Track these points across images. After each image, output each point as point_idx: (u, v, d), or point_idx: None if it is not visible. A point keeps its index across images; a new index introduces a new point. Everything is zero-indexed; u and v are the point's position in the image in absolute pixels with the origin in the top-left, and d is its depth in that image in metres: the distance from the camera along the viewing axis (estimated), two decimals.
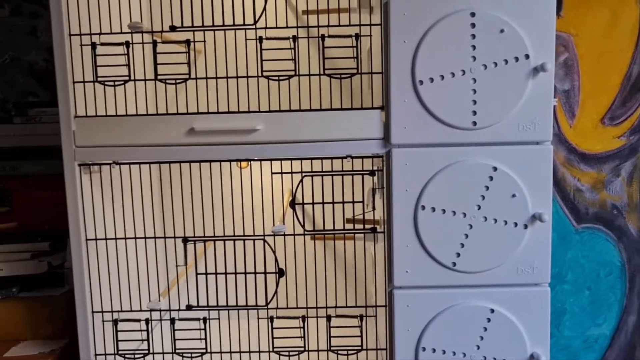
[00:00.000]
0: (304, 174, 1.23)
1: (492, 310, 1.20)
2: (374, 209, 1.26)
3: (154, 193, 1.29)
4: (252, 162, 1.25)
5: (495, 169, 1.17)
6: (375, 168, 1.27)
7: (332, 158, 1.24)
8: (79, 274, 1.27)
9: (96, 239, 1.28)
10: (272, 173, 1.26)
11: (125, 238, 1.29)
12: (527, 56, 1.14)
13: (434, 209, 1.18)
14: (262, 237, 1.26)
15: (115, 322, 1.29)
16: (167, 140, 1.21)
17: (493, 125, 1.16)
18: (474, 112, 1.16)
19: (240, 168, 1.29)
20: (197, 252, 1.28)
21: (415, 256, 1.20)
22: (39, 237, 1.61)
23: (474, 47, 1.14)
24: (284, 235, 1.26)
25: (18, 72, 1.88)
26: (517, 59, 1.14)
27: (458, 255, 1.19)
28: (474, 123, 1.16)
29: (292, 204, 1.24)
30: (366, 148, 1.21)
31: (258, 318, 1.29)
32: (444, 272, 1.21)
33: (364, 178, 1.35)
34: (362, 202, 1.27)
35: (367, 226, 1.36)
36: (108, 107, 1.25)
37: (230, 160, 1.24)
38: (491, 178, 1.17)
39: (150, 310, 1.29)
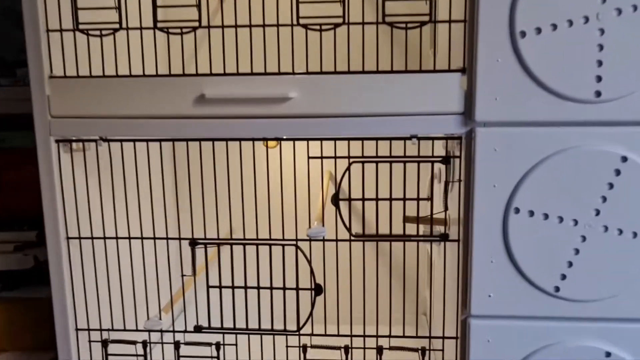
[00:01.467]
0: (352, 160, 0.91)
1: (609, 354, 0.87)
2: (446, 209, 0.93)
3: (152, 180, 0.98)
4: (282, 141, 0.93)
5: (624, 159, 0.82)
6: (450, 154, 0.94)
7: (390, 139, 0.91)
8: (57, 282, 0.98)
9: (79, 238, 0.99)
10: (309, 157, 0.94)
11: (117, 238, 0.99)
12: None
13: (532, 213, 0.85)
14: (293, 242, 0.95)
15: (104, 343, 1.01)
16: (170, 110, 0.90)
17: (625, 96, 0.82)
18: (599, 78, 0.81)
19: (267, 148, 0.97)
20: (209, 259, 0.98)
21: (502, 276, 0.88)
22: (25, 224, 1.33)
23: None
24: (323, 240, 0.95)
25: (10, 25, 1.58)
26: None
27: (563, 277, 0.86)
28: (598, 93, 0.81)
29: (336, 199, 0.92)
30: (438, 126, 0.88)
31: (287, 346, 0.98)
32: (543, 299, 0.88)
33: (433, 167, 1.01)
34: (431, 198, 0.95)
35: (435, 230, 1.04)
36: (93, 65, 0.94)
37: (253, 139, 0.93)
38: (618, 172, 0.83)
39: (149, 331, 1.00)
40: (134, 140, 0.95)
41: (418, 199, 0.92)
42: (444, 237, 0.93)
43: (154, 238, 0.98)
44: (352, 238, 0.94)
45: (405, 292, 0.98)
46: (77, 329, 1.00)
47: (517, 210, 0.85)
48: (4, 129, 1.41)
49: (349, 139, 0.92)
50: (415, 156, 0.92)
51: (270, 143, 1.11)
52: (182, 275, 0.98)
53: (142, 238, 0.98)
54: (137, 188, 0.99)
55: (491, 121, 0.85)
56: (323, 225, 0.95)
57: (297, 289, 0.96)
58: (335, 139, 0.92)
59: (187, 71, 0.92)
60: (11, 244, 1.28)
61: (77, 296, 1.00)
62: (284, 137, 0.92)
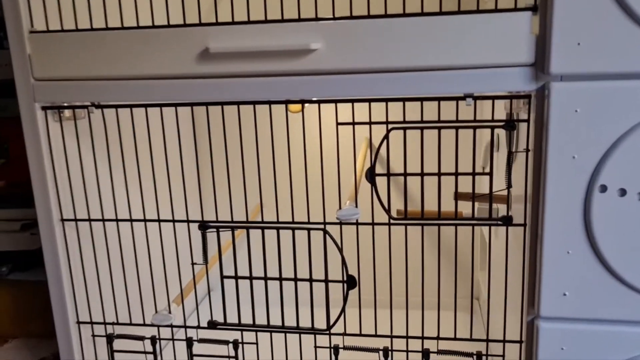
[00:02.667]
0: (391, 126, 0.74)
1: None
2: (509, 185, 0.75)
3: (154, 154, 0.84)
4: (305, 104, 0.77)
5: None
6: (514, 117, 0.75)
7: (439, 99, 0.73)
8: (53, 270, 0.86)
9: (75, 220, 0.85)
10: (338, 124, 0.77)
11: (117, 220, 0.85)
12: None
13: (623, 192, 0.66)
14: (321, 226, 0.79)
15: (109, 338, 0.89)
16: (169, 69, 0.75)
17: None
18: None
19: (287, 113, 0.81)
20: (223, 245, 0.84)
21: (581, 270, 0.70)
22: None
23: None
24: (357, 223, 0.79)
25: None
26: None
27: None
28: None
29: (371, 174, 0.75)
30: (500, 81, 0.69)
31: (315, 347, 0.84)
32: (634, 300, 0.70)
33: (493, 134, 0.83)
34: (490, 172, 0.76)
35: (494, 210, 0.86)
36: (79, 16, 0.79)
37: (269, 102, 0.76)
38: None
39: (158, 326, 0.87)
40: (130, 106, 0.80)
41: (474, 174, 0.74)
42: (507, 221, 0.75)
43: (159, 220, 0.84)
44: (392, 221, 0.77)
45: (457, 284, 0.81)
46: (78, 322, 0.88)
47: (603, 188, 0.66)
48: (5, 96, 1.29)
49: (386, 100, 0.74)
50: (470, 120, 0.73)
51: (292, 107, 0.94)
52: (192, 264, 0.84)
53: (144, 220, 0.84)
54: (136, 163, 0.84)
55: (571, 73, 0.65)
56: (356, 206, 0.78)
57: (327, 280, 0.81)
58: (370, 100, 0.74)
59: (189, 21, 0.75)
60: (18, 222, 1.16)
61: (77, 286, 0.87)
62: (307, 99, 0.75)
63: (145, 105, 0.80)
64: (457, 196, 0.85)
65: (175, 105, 0.79)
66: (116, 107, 0.81)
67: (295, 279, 0.81)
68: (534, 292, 0.73)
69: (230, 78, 0.74)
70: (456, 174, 0.74)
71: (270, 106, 0.77)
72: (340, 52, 0.71)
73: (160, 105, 0.79)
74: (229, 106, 0.77)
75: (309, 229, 0.79)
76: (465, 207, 0.84)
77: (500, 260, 0.84)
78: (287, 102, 0.76)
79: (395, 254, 0.81)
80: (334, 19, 0.71)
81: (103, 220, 0.85)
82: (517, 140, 0.79)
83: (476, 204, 0.93)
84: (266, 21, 0.72)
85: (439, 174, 0.74)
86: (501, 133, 1.00)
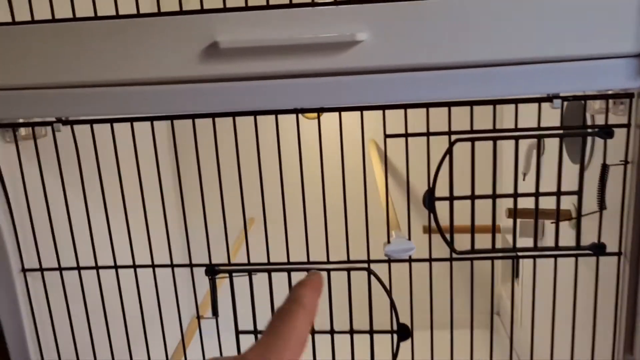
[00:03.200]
0: (455, 137, 0.58)
1: None
2: (602, 207, 0.60)
3: (145, 180, 0.65)
4: (342, 112, 0.60)
5: None
6: (594, 121, 0.60)
7: (515, 101, 0.58)
8: (15, 335, 0.67)
9: (41, 269, 0.66)
10: (387, 136, 0.60)
11: (97, 268, 0.67)
12: None
13: None
14: (364, 265, 0.63)
15: None
16: (163, 71, 0.56)
17: None
18: None
19: (299, 121, 0.63)
20: (234, 291, 0.66)
21: None
22: None
23: None
24: (410, 260, 0.63)
25: None
26: None
27: None
28: None
29: (430, 197, 0.59)
30: (597, 78, 0.54)
31: None
32: None
33: (594, 143, 0.68)
34: (579, 191, 0.61)
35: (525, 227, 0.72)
36: (37, 3, 0.60)
37: (298, 111, 0.59)
38: None
39: None
40: (110, 121, 0.62)
41: (559, 194, 0.59)
42: (598, 250, 0.60)
43: (152, 266, 0.65)
44: (455, 256, 0.61)
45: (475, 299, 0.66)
46: None
47: None
48: None
49: (449, 105, 0.58)
50: (555, 128, 0.58)
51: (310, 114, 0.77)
52: (198, 317, 0.66)
53: (133, 267, 0.65)
54: (121, 193, 0.66)
55: None
56: (409, 237, 0.62)
57: (372, 331, 0.64)
58: (427, 105, 0.58)
59: (188, 6, 0.57)
60: None
61: (46, 349, 0.68)
62: (351, 105, 0.58)
63: (131, 120, 0.61)
64: (517, 213, 0.70)
65: (171, 118, 0.61)
66: (90, 122, 0.62)
67: (332, 332, 0.64)
68: (632, 336, 0.59)
69: (245, 81, 0.57)
70: (537, 194, 0.59)
71: (277, 119, 0.60)
72: (391, 44, 0.54)
73: (152, 119, 0.61)
74: (244, 118, 0.60)
75: (349, 269, 0.62)
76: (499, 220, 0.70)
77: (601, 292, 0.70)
78: (319, 110, 0.59)
79: (460, 299, 0.66)
80: (384, 0, 0.54)
81: (78, 268, 0.66)
82: (592, 149, 0.64)
83: (518, 220, 0.79)
84: (291, 5, 0.55)
85: (537, 194, 0.59)
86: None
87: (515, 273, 1.16)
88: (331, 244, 0.64)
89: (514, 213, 0.69)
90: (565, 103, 0.56)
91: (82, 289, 0.68)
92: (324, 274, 0.63)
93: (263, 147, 0.62)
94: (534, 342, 0.70)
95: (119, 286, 0.66)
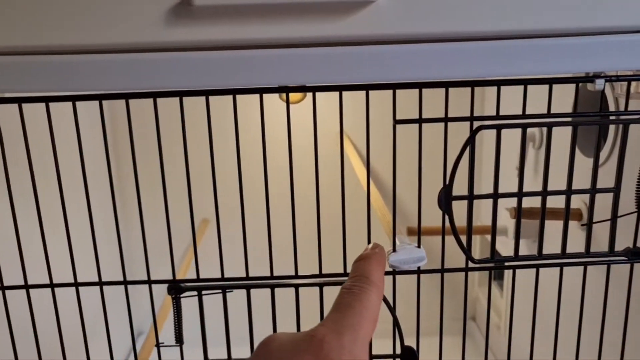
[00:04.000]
0: (478, 123, 0.48)
1: None
2: None
3: (96, 172, 0.52)
4: (343, 91, 0.49)
5: None
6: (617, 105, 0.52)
7: (550, 81, 0.49)
8: None
9: None
10: (397, 121, 0.49)
11: (27, 287, 0.53)
12: None
13: None
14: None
15: None
16: (118, 36, 0.44)
17: None
18: None
19: (287, 103, 0.52)
20: (159, 310, 0.54)
21: None
22: None
23: None
24: (418, 272, 0.52)
25: None
26: None
27: None
28: None
29: (447, 196, 0.49)
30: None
31: None
32: None
33: (617, 132, 0.60)
34: (615, 189, 0.53)
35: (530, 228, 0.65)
36: None
37: (287, 89, 0.48)
38: None
39: None
40: (46, 100, 0.48)
41: (594, 190, 0.51)
42: (635, 255, 0.52)
43: (98, 284, 0.52)
44: (472, 266, 0.52)
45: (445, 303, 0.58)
46: None
47: None
48: None
49: (472, 85, 0.48)
50: (612, 113, 0.49)
51: (293, 95, 0.66)
52: (158, 346, 0.54)
53: (76, 284, 0.52)
54: (59, 191, 0.52)
55: None
56: (419, 245, 0.52)
57: (371, 357, 0.54)
58: (446, 85, 0.48)
59: None
60: None
61: None
62: (354, 84, 0.47)
63: (74, 98, 0.48)
64: (522, 214, 0.62)
65: (127, 97, 0.48)
66: (19, 101, 0.48)
67: None
68: None
69: (224, 50, 0.45)
70: (545, 192, 0.50)
71: (262, 98, 0.49)
72: (410, 7, 0.44)
73: (101, 98, 0.48)
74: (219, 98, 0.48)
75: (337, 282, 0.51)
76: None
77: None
78: (314, 90, 0.48)
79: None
80: None
81: (2, 288, 0.52)
82: (615, 139, 0.57)
83: (513, 222, 0.71)
84: None
85: (545, 193, 0.50)
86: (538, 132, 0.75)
87: (493, 277, 1.09)
88: (308, 255, 0.53)
89: (514, 212, 0.60)
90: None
91: (6, 312, 0.54)
92: (316, 289, 0.52)
93: (221, 133, 0.50)
94: (532, 351, 0.61)
95: (56, 308, 0.53)
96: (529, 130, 0.85)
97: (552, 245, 0.55)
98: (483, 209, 1.19)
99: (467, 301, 0.55)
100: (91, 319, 0.54)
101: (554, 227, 0.60)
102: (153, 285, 0.53)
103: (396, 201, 0.51)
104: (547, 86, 0.49)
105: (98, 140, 0.52)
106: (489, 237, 0.99)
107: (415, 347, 0.53)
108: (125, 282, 0.52)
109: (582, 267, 0.53)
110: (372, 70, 0.46)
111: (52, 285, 0.51)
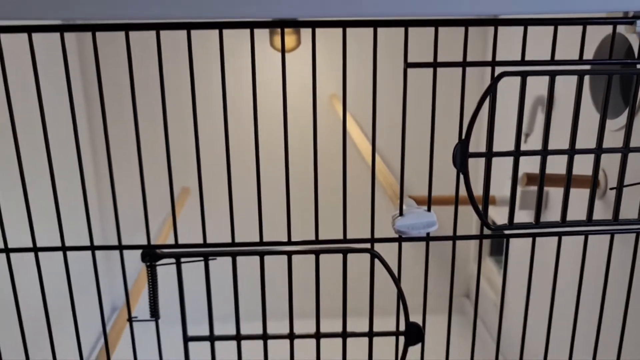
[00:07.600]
0: (501, 69, 0.42)
1: None
2: None
3: (51, 126, 0.45)
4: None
5: None
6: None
7: (584, 22, 0.43)
8: None
9: None
10: (408, 65, 0.43)
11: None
12: None
13: None
14: (366, 245, 0.46)
15: None
16: None
17: None
18: None
19: (281, 51, 0.45)
20: (137, 281, 0.47)
21: None
22: None
23: None
24: (427, 239, 0.47)
25: None
26: None
27: None
28: None
29: (463, 152, 0.43)
30: None
31: None
32: None
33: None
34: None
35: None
36: None
37: (286, 25, 0.41)
38: None
39: None
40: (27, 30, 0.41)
41: (626, 150, 0.45)
42: None
43: (34, 250, 0.45)
44: (488, 233, 0.46)
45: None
46: None
47: None
48: None
49: (496, 24, 0.42)
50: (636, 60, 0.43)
51: (287, 40, 0.59)
52: (130, 320, 0.47)
53: (35, 249, 0.45)
54: (14, 133, 0.45)
55: None
56: (429, 209, 0.46)
57: (371, 334, 0.48)
58: (465, 24, 0.42)
59: None
60: None
61: None
62: (360, 19, 0.41)
63: (29, 29, 0.41)
64: (528, 179, 0.57)
65: (94, 29, 0.41)
66: None
67: (318, 335, 0.47)
68: None
69: None
70: (572, 151, 0.44)
71: (252, 34, 0.42)
72: None
73: (62, 29, 0.41)
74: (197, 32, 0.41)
75: (346, 251, 0.45)
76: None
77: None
78: (314, 25, 0.41)
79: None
80: None
81: None
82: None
83: (519, 187, 0.66)
84: None
85: (572, 151, 0.44)
86: (559, 86, 0.67)
87: (490, 252, 1.04)
88: (306, 220, 0.47)
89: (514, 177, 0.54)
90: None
91: None
92: (311, 257, 0.46)
93: (204, 79, 0.44)
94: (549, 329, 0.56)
95: (12, 275, 0.46)
96: (536, 96, 0.79)
97: (552, 216, 0.50)
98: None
99: (480, 274, 0.49)
100: (65, 290, 0.47)
101: (557, 199, 0.55)
102: (131, 255, 0.46)
103: (404, 163, 0.45)
104: (576, 30, 0.43)
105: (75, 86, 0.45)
106: (494, 207, 0.93)
107: (421, 324, 0.48)
108: (92, 248, 0.45)
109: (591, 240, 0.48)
110: (380, 2, 0.39)
111: (7, 251, 0.44)
